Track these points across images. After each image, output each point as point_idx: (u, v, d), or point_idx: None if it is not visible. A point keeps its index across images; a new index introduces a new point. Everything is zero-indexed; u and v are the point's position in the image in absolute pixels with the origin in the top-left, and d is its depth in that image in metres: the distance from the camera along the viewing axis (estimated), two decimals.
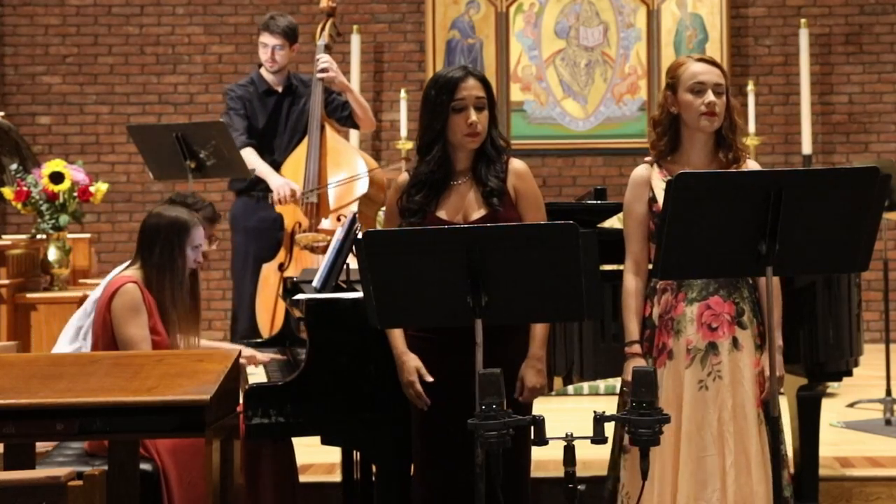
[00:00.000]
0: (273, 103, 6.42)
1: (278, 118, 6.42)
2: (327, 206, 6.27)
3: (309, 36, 6.85)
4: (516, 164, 3.74)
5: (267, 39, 6.39)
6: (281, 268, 6.25)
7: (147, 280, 4.14)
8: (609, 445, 3.28)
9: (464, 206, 3.67)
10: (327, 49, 6.54)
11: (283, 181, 6.19)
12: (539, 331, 3.67)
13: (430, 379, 3.61)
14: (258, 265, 6.33)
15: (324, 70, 6.33)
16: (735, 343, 3.67)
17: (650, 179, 3.76)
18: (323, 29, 6.65)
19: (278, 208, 6.25)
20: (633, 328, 3.75)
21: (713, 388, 3.64)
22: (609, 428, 3.14)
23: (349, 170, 6.32)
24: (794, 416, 4.51)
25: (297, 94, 6.45)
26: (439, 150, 3.66)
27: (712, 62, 3.77)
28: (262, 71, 6.48)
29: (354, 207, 6.13)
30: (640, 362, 3.68)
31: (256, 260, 6.35)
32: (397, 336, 3.67)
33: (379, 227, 6.50)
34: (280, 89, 6.44)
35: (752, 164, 3.77)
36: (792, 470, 4.20)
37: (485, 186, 3.66)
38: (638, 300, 3.75)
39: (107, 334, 4.10)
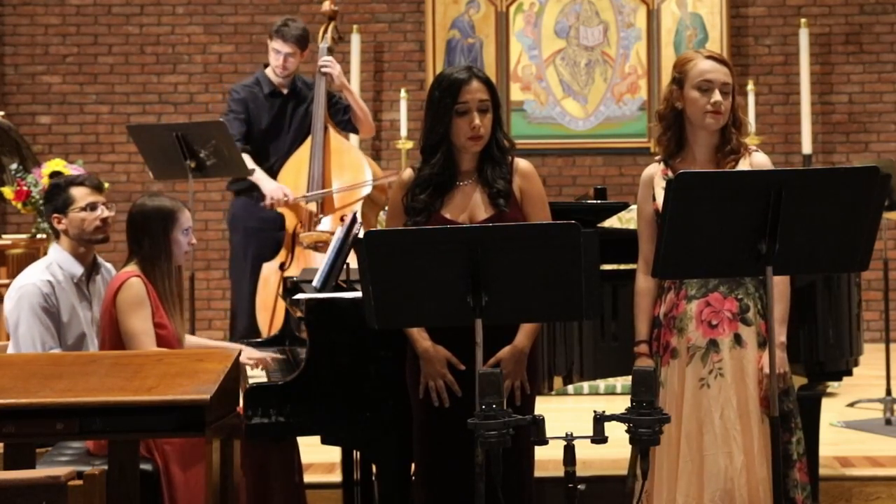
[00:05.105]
0: (278, 105, 6.44)
1: (283, 120, 6.44)
2: (332, 206, 6.29)
3: (310, 36, 6.86)
4: (522, 164, 3.73)
5: (280, 47, 6.40)
6: (282, 267, 6.26)
7: (143, 273, 4.15)
8: (610, 444, 3.26)
9: (469, 206, 3.67)
10: (330, 52, 6.56)
11: (276, 185, 6.23)
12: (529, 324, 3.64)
13: (462, 367, 3.57)
14: (257, 265, 6.35)
15: (325, 68, 6.37)
16: (738, 340, 3.66)
17: (654, 178, 3.76)
18: (325, 31, 6.68)
19: (280, 209, 6.27)
20: (640, 328, 3.76)
21: (715, 385, 3.63)
22: (617, 427, 3.14)
23: (353, 171, 6.33)
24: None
25: (301, 96, 6.47)
26: (443, 152, 3.65)
27: (721, 60, 3.75)
28: (268, 71, 6.49)
29: (358, 207, 6.15)
30: (646, 362, 3.69)
31: (255, 260, 6.37)
32: (418, 331, 3.62)
33: (381, 228, 6.52)
34: (285, 91, 6.46)
35: (758, 158, 3.74)
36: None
37: (491, 188, 3.65)
38: (648, 300, 3.76)
39: (113, 330, 4.11)
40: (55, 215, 4.45)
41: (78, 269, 4.44)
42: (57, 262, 4.43)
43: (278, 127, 6.43)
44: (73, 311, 4.40)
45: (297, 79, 6.51)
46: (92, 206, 4.42)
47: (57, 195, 4.47)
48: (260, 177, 6.30)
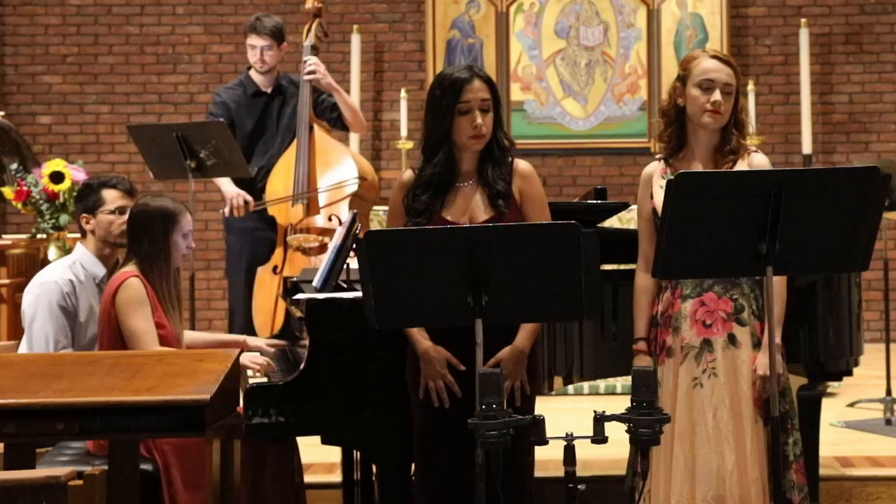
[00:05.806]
0: (262, 105, 6.43)
1: (267, 120, 6.43)
2: (317, 205, 6.27)
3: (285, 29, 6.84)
4: (521, 165, 3.73)
5: (255, 41, 6.41)
6: (275, 270, 6.25)
7: (142, 273, 4.16)
8: (610, 444, 3.26)
9: (470, 208, 3.66)
10: (314, 50, 6.53)
11: (236, 191, 6.22)
12: (529, 324, 3.64)
13: (462, 368, 3.57)
14: (252, 265, 6.35)
15: (311, 72, 6.34)
16: (732, 340, 3.66)
17: (653, 176, 3.77)
18: (309, 30, 6.63)
19: (270, 210, 6.27)
20: (639, 326, 3.76)
21: (708, 385, 3.64)
22: (617, 427, 3.14)
23: (339, 170, 6.31)
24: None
25: (287, 95, 6.45)
26: (444, 151, 3.65)
27: (726, 61, 3.79)
28: (252, 72, 6.49)
29: (345, 205, 6.14)
30: (644, 360, 3.69)
31: (250, 260, 6.37)
32: (418, 332, 3.62)
33: (374, 226, 6.52)
34: (269, 90, 6.45)
35: (757, 158, 3.74)
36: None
37: (491, 189, 3.65)
38: (647, 297, 3.76)
39: (112, 330, 4.11)
40: (84, 215, 4.46)
41: (100, 271, 4.45)
42: (80, 262, 4.44)
43: (263, 127, 6.42)
44: (90, 312, 4.41)
45: (281, 77, 6.50)
46: (121, 211, 4.42)
47: (88, 195, 4.48)
48: (221, 180, 6.30)
